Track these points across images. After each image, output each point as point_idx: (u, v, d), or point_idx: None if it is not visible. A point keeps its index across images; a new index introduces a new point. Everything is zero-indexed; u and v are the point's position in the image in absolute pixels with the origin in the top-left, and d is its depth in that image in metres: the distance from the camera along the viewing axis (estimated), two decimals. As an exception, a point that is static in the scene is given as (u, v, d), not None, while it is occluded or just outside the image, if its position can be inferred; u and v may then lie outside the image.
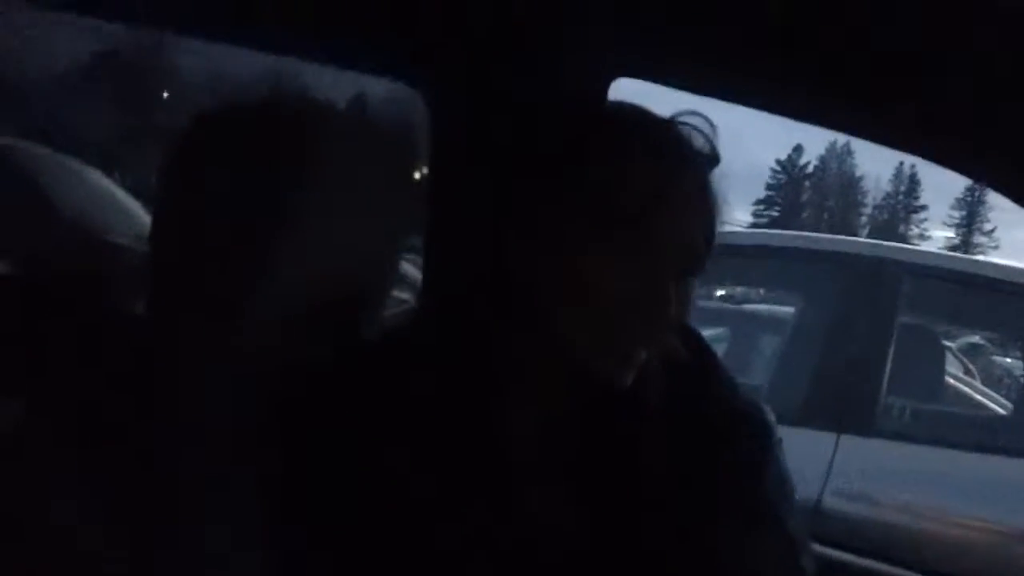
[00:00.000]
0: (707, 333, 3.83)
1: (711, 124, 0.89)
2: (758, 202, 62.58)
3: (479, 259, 0.88)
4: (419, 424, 0.85)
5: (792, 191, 62.53)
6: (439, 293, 1.14)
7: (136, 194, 3.77)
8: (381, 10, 1.10)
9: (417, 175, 1.24)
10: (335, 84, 1.19)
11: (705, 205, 0.85)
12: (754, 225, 55.67)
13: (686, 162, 0.85)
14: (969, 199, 54.51)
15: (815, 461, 2.58)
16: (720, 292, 5.37)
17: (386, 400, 0.86)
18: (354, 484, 0.83)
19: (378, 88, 1.26)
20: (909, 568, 2.22)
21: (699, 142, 0.87)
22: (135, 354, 0.85)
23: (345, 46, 1.18)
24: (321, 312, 0.88)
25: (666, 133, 0.86)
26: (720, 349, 4.66)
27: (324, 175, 0.89)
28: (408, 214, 1.09)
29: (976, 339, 8.61)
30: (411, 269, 1.15)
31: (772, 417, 0.95)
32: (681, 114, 0.88)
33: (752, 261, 3.45)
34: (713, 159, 0.88)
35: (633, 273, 0.81)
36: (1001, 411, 4.15)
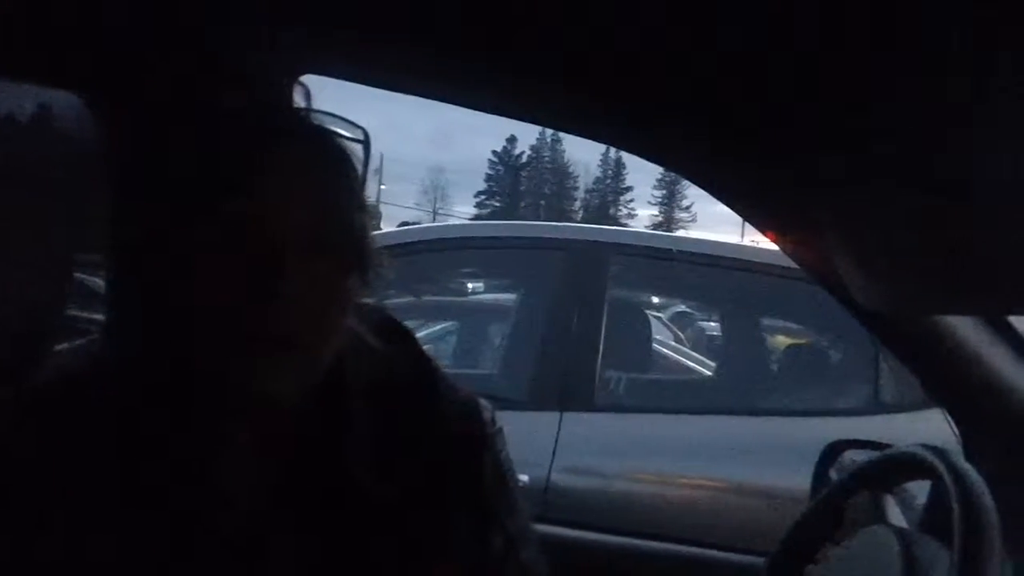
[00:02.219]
0: (436, 328, 3.85)
1: (362, 129, 0.88)
2: (479, 193, 64.38)
3: (153, 278, 0.82)
4: (95, 460, 0.79)
5: (510, 181, 64.81)
6: (121, 315, 1.05)
7: None
8: (43, 19, 1.00)
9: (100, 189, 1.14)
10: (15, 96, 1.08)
11: (344, 200, 0.83)
12: (477, 216, 57.15)
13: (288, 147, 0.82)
14: (668, 179, 58.91)
15: (543, 442, 2.67)
16: (448, 285, 5.44)
17: (57, 435, 0.79)
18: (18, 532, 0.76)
19: (57, 100, 1.15)
20: (638, 535, 2.36)
21: (348, 148, 0.86)
22: None
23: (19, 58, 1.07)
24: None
25: (309, 140, 0.84)
26: (451, 342, 4.75)
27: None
28: (86, 227, 1.01)
29: (683, 308, 9.33)
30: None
31: (490, 413, 0.96)
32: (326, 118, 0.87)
33: (473, 253, 3.52)
34: (344, 157, 0.85)
35: (240, 281, 0.76)
36: (708, 372, 4.50)
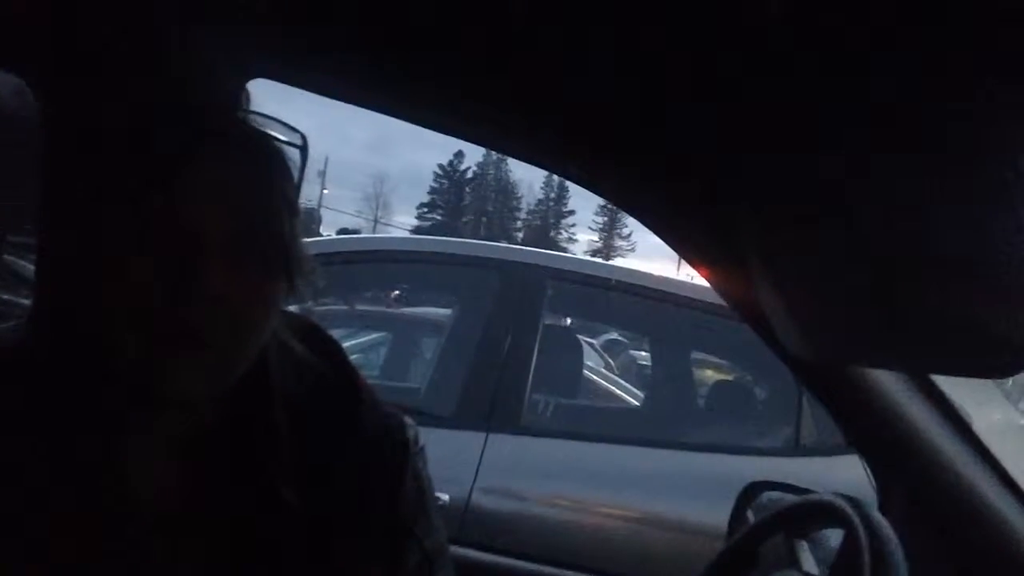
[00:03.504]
0: (367, 338, 3.81)
1: (300, 134, 0.87)
2: (422, 205, 64.25)
3: (72, 267, 0.79)
4: (33, 448, 0.77)
5: (454, 195, 64.84)
6: (41, 302, 1.02)
7: None
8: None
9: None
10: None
11: (273, 205, 0.81)
12: (418, 228, 57.05)
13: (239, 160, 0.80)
14: (610, 206, 59.46)
15: (466, 461, 2.65)
16: (382, 296, 5.41)
17: None
18: None
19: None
20: (553, 561, 2.36)
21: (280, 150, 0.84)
22: None
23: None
24: None
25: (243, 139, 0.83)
26: (381, 353, 4.72)
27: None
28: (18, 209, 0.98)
29: (615, 335, 9.41)
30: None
31: (413, 431, 0.95)
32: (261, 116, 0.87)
33: (412, 266, 3.51)
34: (278, 161, 0.83)
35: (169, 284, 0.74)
36: (635, 402, 4.54)
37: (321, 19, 1.02)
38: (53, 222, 0.98)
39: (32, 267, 1.04)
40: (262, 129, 0.85)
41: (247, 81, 1.12)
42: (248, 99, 1.03)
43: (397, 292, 5.29)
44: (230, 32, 1.04)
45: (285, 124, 0.88)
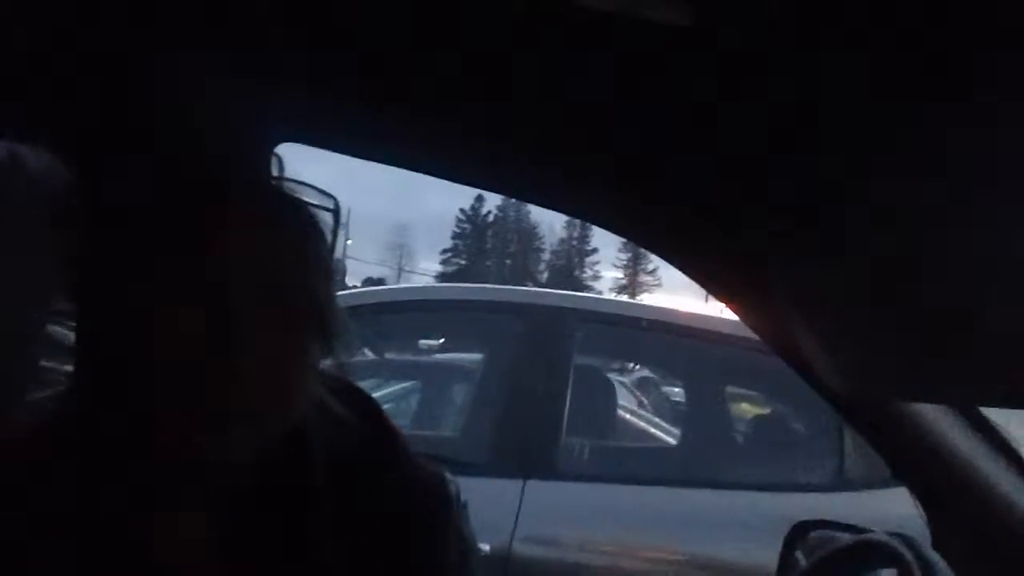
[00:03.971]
0: (398, 387, 3.81)
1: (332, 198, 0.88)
2: (445, 251, 64.63)
3: (111, 332, 0.80)
4: (52, 514, 0.76)
5: (476, 239, 65.19)
6: (82, 369, 1.03)
7: None
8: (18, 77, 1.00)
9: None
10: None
11: (309, 267, 0.81)
12: (442, 273, 57.33)
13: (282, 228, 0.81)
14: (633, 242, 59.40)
15: (504, 509, 2.63)
16: (411, 345, 5.42)
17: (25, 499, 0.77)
18: None
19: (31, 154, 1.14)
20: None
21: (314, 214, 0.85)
22: None
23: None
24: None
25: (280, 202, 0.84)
26: (412, 401, 4.71)
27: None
28: (56, 277, 0.99)
29: (647, 373, 9.34)
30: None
31: (454, 486, 0.94)
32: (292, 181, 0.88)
33: (440, 314, 3.51)
34: (312, 224, 0.84)
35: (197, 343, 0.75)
36: (671, 440, 4.49)
37: (348, 78, 1.02)
38: (89, 291, 0.99)
39: (71, 334, 1.04)
40: (295, 195, 0.86)
41: (274, 147, 1.13)
42: (280, 165, 1.05)
43: (442, 339, 5.30)
44: (258, 100, 1.05)
45: (317, 188, 0.89)
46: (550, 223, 65.74)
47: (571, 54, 0.83)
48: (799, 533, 1.43)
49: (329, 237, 0.85)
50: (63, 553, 0.76)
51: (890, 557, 1.07)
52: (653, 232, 1.27)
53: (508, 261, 64.34)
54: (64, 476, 0.78)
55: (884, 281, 0.82)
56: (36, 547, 0.75)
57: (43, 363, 1.04)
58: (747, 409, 4.12)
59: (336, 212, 0.89)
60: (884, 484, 2.45)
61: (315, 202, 0.87)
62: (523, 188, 1.43)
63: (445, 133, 1.09)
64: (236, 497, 0.83)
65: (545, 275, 63.02)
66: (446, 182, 1.23)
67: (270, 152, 1.10)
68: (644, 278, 63.57)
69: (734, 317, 1.57)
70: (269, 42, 0.95)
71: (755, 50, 0.71)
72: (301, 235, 0.82)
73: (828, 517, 1.46)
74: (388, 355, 4.25)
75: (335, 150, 1.23)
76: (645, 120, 0.92)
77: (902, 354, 0.89)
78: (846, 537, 1.25)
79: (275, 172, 0.93)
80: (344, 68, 1.01)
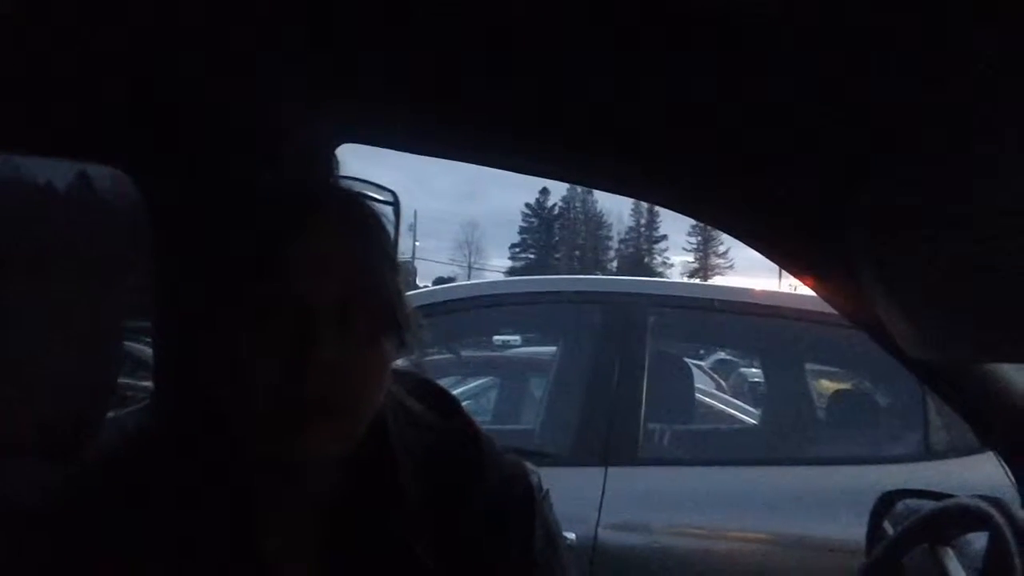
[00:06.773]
0: (475, 383, 3.82)
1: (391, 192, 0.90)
2: (514, 246, 64.58)
3: (208, 345, 0.83)
4: (146, 529, 0.80)
5: (544, 233, 65.01)
6: (164, 385, 1.07)
7: None
8: (90, 97, 1.04)
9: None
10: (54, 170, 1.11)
11: (376, 264, 0.83)
12: (512, 268, 57.29)
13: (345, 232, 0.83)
14: (702, 225, 58.72)
15: (588, 498, 2.64)
16: (486, 341, 5.45)
17: (138, 505, 0.80)
18: None
19: (98, 174, 1.19)
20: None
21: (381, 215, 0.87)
22: None
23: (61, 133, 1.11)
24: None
25: (349, 208, 0.85)
26: (490, 397, 4.74)
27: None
28: (132, 298, 1.02)
29: (723, 355, 9.25)
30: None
31: (536, 477, 0.95)
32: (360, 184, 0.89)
33: (515, 308, 3.53)
34: (375, 221, 0.86)
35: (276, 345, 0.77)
36: (752, 421, 4.44)
37: (407, 77, 1.05)
38: (167, 307, 1.03)
39: (148, 350, 1.08)
40: (358, 193, 0.88)
41: (336, 148, 1.16)
42: (339, 165, 1.07)
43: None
44: (320, 104, 1.08)
45: (375, 184, 0.91)
46: (618, 212, 65.31)
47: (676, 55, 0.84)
48: (886, 504, 1.42)
49: (392, 230, 0.88)
50: (173, 561, 0.79)
51: (979, 520, 1.06)
52: (725, 212, 1.27)
53: (577, 252, 64.06)
54: (163, 487, 0.81)
55: (961, 247, 0.82)
56: (146, 557, 0.78)
57: (121, 380, 1.06)
58: (827, 385, 4.06)
59: (396, 205, 0.91)
60: (969, 451, 2.41)
61: (375, 196, 0.89)
62: (592, 176, 1.45)
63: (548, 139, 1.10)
64: (322, 497, 0.86)
65: (615, 264, 62.61)
66: (508, 177, 1.25)
67: (332, 153, 1.13)
68: (716, 260, 62.76)
69: (809, 294, 1.57)
70: (333, 45, 0.97)
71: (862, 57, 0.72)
72: (365, 231, 0.84)
73: (914, 487, 1.45)
74: (464, 352, 4.28)
75: (398, 148, 1.26)
76: (768, 122, 0.93)
77: (982, 316, 0.88)
78: (933, 504, 1.23)
79: (335, 172, 0.96)
80: (409, 67, 1.03)
